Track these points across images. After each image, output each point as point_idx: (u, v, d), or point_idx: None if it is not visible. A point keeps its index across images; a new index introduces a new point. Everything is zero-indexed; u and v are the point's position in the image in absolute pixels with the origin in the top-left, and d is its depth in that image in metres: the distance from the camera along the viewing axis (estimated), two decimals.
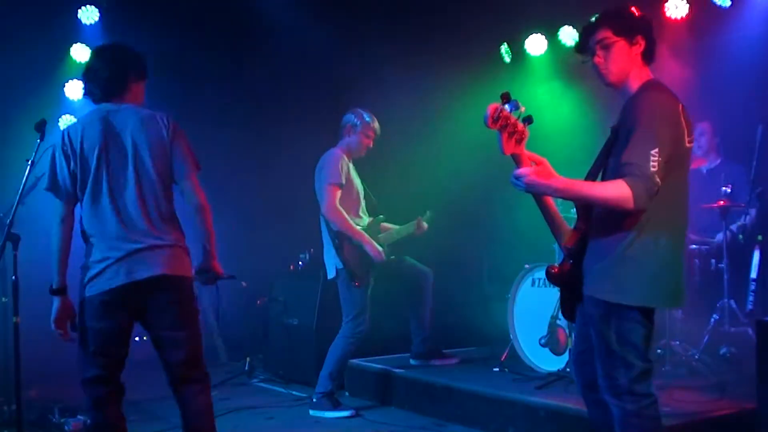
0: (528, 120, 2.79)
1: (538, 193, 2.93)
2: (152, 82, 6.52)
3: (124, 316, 3.55)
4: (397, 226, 5.67)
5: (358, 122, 5.48)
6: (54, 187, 3.51)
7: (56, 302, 3.51)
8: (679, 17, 6.12)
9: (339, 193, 5.34)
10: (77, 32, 6.98)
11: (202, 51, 6.98)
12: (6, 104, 6.49)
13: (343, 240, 5.32)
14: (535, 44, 7.10)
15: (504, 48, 7.27)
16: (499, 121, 2.71)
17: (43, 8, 6.60)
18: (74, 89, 7.07)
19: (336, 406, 5.31)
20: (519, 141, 2.79)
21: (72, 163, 3.50)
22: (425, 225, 5.72)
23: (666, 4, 6.15)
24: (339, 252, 5.30)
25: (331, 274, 5.45)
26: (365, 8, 6.94)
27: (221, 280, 3.67)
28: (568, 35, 6.87)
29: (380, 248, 5.38)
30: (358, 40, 6.82)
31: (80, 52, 7.02)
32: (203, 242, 3.57)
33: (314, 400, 5.38)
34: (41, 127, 4.02)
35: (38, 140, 4.01)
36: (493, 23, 7.00)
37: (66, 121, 7.01)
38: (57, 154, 3.53)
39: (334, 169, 5.35)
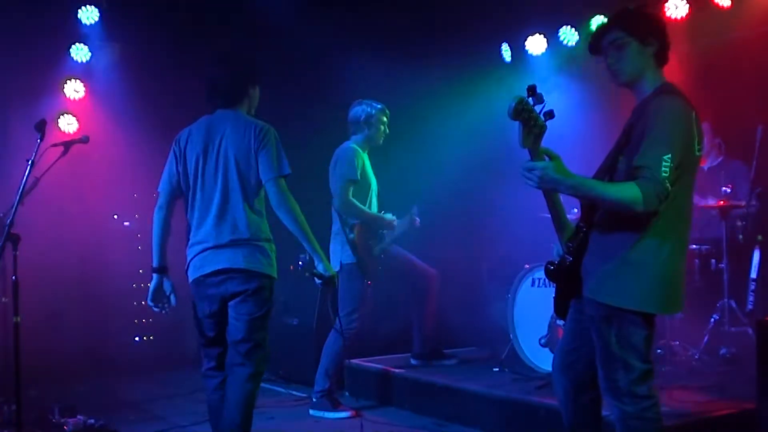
0: (549, 114, 2.78)
1: (549, 189, 2.93)
2: (152, 82, 6.55)
3: (206, 304, 3.84)
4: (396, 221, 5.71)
5: (373, 111, 5.52)
6: (162, 184, 3.93)
7: (153, 279, 3.93)
8: (679, 17, 6.13)
9: (352, 188, 5.36)
10: (77, 32, 6.98)
11: (201, 50, 6.97)
12: (6, 104, 6.49)
13: (358, 237, 5.33)
14: (535, 44, 7.10)
15: (504, 48, 7.27)
16: (522, 113, 2.70)
17: (43, 8, 6.59)
18: (74, 89, 7.06)
19: (336, 406, 5.31)
20: (538, 135, 2.78)
21: (179, 164, 3.89)
22: (417, 219, 5.74)
23: (666, 4, 6.15)
24: (354, 250, 5.32)
25: (335, 267, 5.45)
26: (364, 8, 6.94)
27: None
28: (569, 35, 6.87)
29: (393, 218, 5.51)
30: (357, 40, 6.81)
31: (80, 52, 7.01)
32: None
33: (314, 399, 5.38)
34: (41, 127, 4.05)
35: (38, 140, 4.03)
36: (493, 23, 6.99)
37: (66, 121, 7.02)
38: (170, 154, 3.94)
39: (350, 165, 5.37)
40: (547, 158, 2.87)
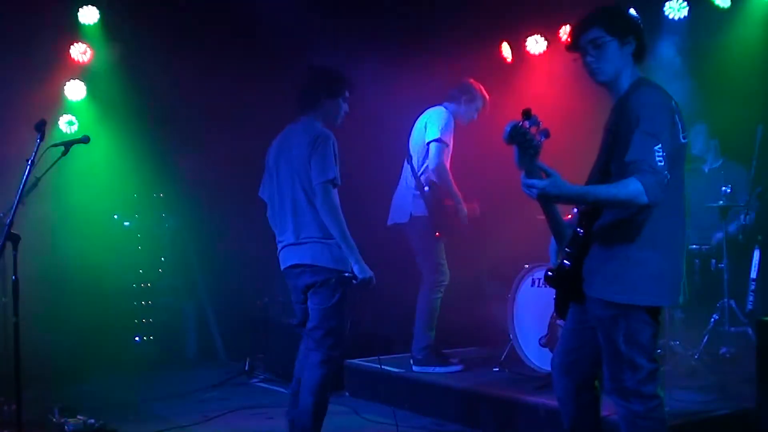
0: (545, 134, 2.79)
1: (551, 200, 2.93)
2: (152, 82, 6.51)
3: (293, 293, 4.38)
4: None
5: (477, 95, 5.62)
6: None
7: None
8: (679, 17, 6.13)
9: (447, 152, 5.47)
10: (77, 32, 6.98)
11: (201, 50, 6.99)
12: (6, 104, 6.48)
13: (437, 193, 5.43)
14: (535, 44, 7.10)
15: (504, 48, 7.27)
16: (517, 138, 2.73)
17: (43, 8, 6.59)
18: (74, 89, 7.06)
19: (443, 362, 5.49)
20: (533, 155, 2.79)
21: (266, 171, 4.40)
22: (477, 208, 5.78)
23: (666, 5, 6.16)
24: (428, 202, 5.40)
25: (401, 219, 5.53)
26: (363, 8, 6.93)
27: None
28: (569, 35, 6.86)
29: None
30: (357, 40, 6.81)
31: (80, 52, 7.01)
32: None
33: (418, 357, 5.45)
34: (41, 128, 4.05)
35: (38, 140, 4.03)
36: (493, 23, 6.99)
37: (66, 121, 7.01)
38: None
39: (447, 128, 5.48)
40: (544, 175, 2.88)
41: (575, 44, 3.11)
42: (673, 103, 2.96)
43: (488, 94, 5.71)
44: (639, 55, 3.08)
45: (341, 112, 4.38)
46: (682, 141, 2.95)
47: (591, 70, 3.07)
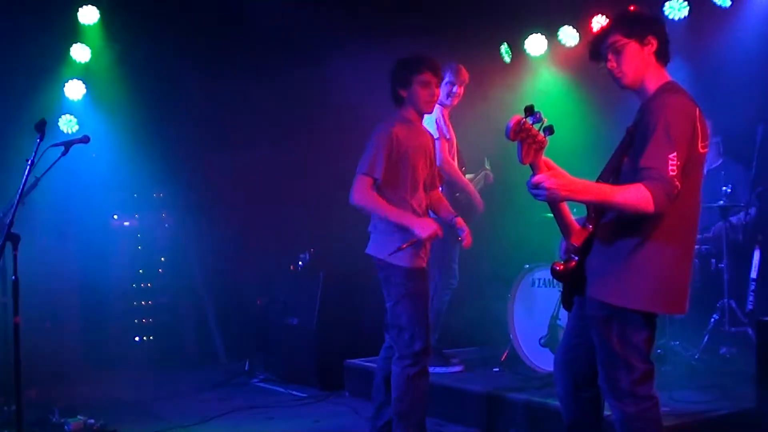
0: (549, 130, 2.77)
1: (558, 201, 2.92)
2: (152, 82, 6.52)
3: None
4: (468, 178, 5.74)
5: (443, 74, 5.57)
6: None
7: None
8: (679, 17, 6.14)
9: (447, 146, 5.43)
10: (77, 32, 6.98)
11: (201, 49, 6.99)
12: (6, 104, 6.49)
13: (450, 188, 5.39)
14: (535, 44, 7.10)
15: (504, 48, 7.27)
16: (520, 133, 2.70)
17: (43, 8, 6.59)
18: (74, 89, 7.06)
19: (444, 362, 5.45)
20: (538, 150, 2.77)
21: None
22: (491, 174, 5.75)
23: (666, 4, 6.16)
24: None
25: None
26: (362, 7, 6.93)
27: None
28: (568, 35, 6.87)
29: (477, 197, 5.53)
30: (357, 39, 6.81)
31: (80, 52, 7.01)
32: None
33: None
34: (41, 127, 4.05)
35: (38, 140, 4.03)
36: (493, 23, 6.99)
37: (66, 121, 7.01)
38: None
39: (439, 122, 5.43)
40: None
41: (596, 53, 3.10)
42: (697, 111, 2.92)
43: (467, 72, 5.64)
44: (663, 55, 3.06)
45: (423, 96, 4.25)
46: (701, 150, 2.93)
47: (614, 75, 3.05)
